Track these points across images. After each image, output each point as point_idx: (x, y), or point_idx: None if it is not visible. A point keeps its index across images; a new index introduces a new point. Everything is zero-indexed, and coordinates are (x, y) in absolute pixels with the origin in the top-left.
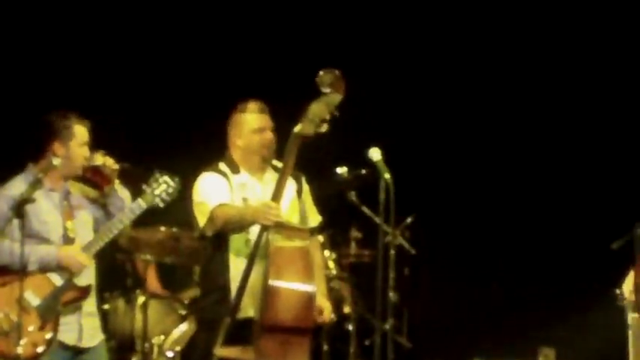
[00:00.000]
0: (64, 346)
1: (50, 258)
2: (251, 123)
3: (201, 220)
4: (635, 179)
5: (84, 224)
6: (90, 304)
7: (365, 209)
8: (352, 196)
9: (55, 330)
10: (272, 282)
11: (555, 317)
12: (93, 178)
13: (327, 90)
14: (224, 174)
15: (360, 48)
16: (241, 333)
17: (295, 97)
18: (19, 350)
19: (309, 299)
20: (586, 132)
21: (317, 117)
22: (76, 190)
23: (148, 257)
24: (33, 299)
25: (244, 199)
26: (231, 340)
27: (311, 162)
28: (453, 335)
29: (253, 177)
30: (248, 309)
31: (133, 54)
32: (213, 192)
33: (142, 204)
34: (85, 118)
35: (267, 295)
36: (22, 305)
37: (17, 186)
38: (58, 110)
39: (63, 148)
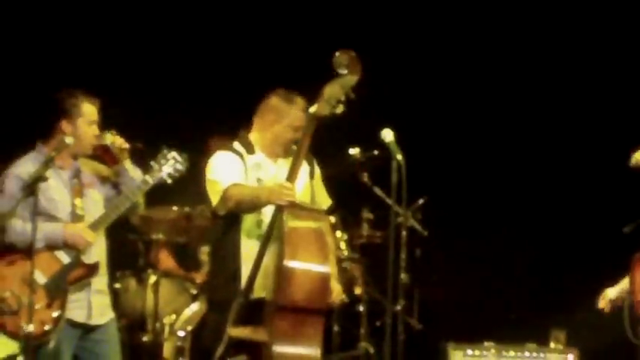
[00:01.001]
0: (73, 324)
1: (56, 235)
2: (294, 119)
3: (214, 198)
4: None
5: (94, 202)
6: (99, 282)
7: (377, 190)
8: (364, 177)
9: (63, 308)
10: (287, 262)
11: (567, 300)
12: (103, 156)
13: (343, 71)
14: (239, 154)
15: (374, 28)
16: (253, 314)
17: (310, 78)
18: (30, 328)
19: (325, 280)
20: (599, 115)
21: (333, 98)
22: (88, 168)
23: (160, 237)
24: (40, 277)
25: (258, 180)
26: (242, 321)
27: (324, 143)
28: (464, 317)
29: (268, 158)
30: (260, 290)
31: (144, 32)
32: (227, 171)
33: (149, 180)
34: (95, 96)
35: (283, 275)
36: (30, 284)
37: (26, 165)
38: (67, 89)
39: (71, 126)
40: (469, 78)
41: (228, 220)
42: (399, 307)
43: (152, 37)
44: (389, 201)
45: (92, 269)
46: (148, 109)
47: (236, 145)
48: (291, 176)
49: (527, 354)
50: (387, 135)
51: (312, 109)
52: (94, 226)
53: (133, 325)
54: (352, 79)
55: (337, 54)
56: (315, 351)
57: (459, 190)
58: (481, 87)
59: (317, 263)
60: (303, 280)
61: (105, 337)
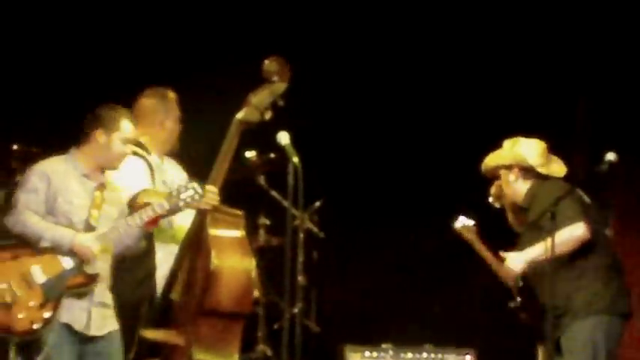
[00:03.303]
0: (72, 331)
1: (64, 242)
2: (177, 111)
3: None
4: None
5: (108, 218)
6: (102, 295)
7: (274, 193)
8: (261, 180)
9: (55, 310)
10: (216, 266)
11: (464, 301)
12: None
13: (273, 78)
14: (142, 156)
15: (265, 29)
16: (164, 315)
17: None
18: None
19: (251, 284)
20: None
21: (261, 104)
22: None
23: None
24: (40, 276)
25: (164, 182)
26: (155, 323)
27: (219, 146)
28: (362, 319)
29: (159, 159)
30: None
31: None
32: (137, 176)
33: (165, 205)
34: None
35: (211, 279)
36: (27, 280)
37: (53, 164)
38: (110, 103)
39: (104, 137)
40: (361, 79)
41: None
42: (296, 310)
43: None
44: (285, 204)
45: (91, 279)
46: None
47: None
48: (216, 180)
49: (424, 355)
50: (283, 138)
51: (240, 114)
52: (101, 239)
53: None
54: (281, 87)
55: (267, 61)
56: (234, 357)
57: (355, 191)
58: (376, 91)
59: (243, 267)
60: (231, 285)
61: (105, 351)
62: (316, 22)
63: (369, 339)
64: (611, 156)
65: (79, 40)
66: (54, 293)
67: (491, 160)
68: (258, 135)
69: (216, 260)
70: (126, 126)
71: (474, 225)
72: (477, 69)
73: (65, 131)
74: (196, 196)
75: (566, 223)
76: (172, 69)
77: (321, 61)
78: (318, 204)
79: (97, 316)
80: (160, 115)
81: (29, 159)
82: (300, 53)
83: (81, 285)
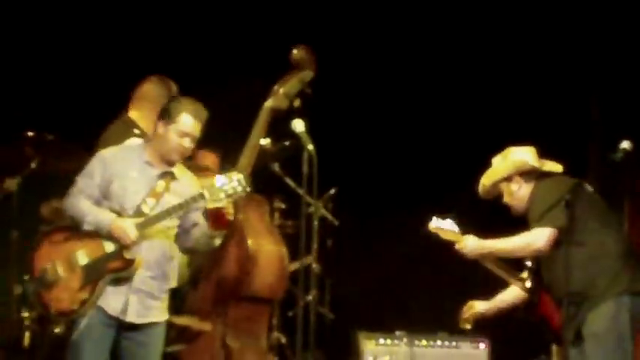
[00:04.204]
0: (107, 315)
1: (103, 225)
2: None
3: None
4: (554, 151)
5: (164, 207)
6: (145, 283)
7: (288, 180)
8: (276, 167)
9: (92, 293)
10: (253, 251)
11: (477, 290)
12: (216, 220)
13: (302, 66)
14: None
15: (284, 21)
16: (187, 303)
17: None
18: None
19: (285, 271)
20: (503, 106)
21: (291, 92)
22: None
23: None
24: (82, 259)
25: None
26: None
27: (236, 134)
28: (376, 307)
29: None
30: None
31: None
32: None
33: (206, 195)
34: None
35: (247, 264)
36: (70, 262)
37: (117, 149)
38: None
39: (163, 128)
40: (376, 67)
41: None
42: (310, 297)
43: None
44: (300, 191)
45: (129, 264)
46: None
47: (136, 131)
48: (246, 167)
49: (439, 343)
50: (298, 125)
51: (269, 102)
52: (140, 226)
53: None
54: (309, 75)
55: (296, 50)
56: (263, 342)
57: (369, 179)
58: (391, 78)
59: (278, 253)
60: (267, 271)
61: (145, 340)
62: (334, 12)
63: (383, 327)
64: (625, 144)
65: (93, 29)
66: (93, 276)
67: (487, 179)
68: (273, 122)
69: (252, 245)
70: (184, 119)
71: (451, 222)
72: (493, 59)
73: (80, 117)
74: (239, 189)
75: (532, 225)
76: (191, 59)
77: (336, 49)
78: (332, 191)
79: (137, 303)
80: (162, 102)
81: (43, 145)
82: (315, 42)
83: (120, 269)
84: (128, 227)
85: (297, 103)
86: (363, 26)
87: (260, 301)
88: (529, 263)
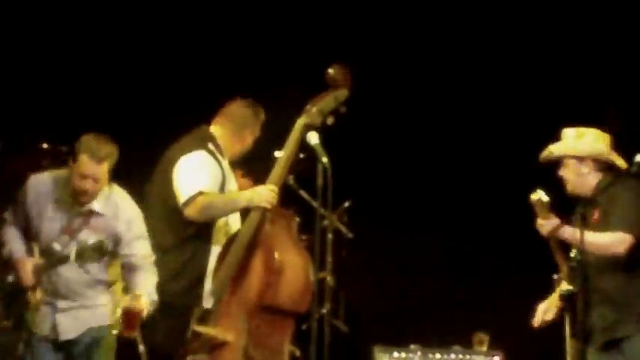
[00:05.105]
0: (41, 337)
1: (12, 261)
2: (259, 131)
3: (186, 199)
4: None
5: (81, 244)
6: (74, 297)
7: (303, 193)
8: (290, 180)
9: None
10: (279, 261)
11: (491, 303)
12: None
13: (337, 84)
14: (217, 158)
15: (296, 31)
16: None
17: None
18: None
19: (310, 284)
20: (514, 119)
21: (325, 110)
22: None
23: None
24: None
25: (228, 191)
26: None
27: (251, 146)
28: (390, 320)
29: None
30: (209, 299)
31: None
32: (208, 176)
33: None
34: None
35: (273, 274)
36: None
37: (42, 176)
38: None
39: (73, 164)
40: (392, 81)
41: (197, 226)
42: (325, 310)
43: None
44: (314, 204)
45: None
46: None
47: (210, 146)
48: (277, 181)
49: (452, 356)
50: (313, 138)
51: (303, 119)
52: (40, 269)
53: None
54: (345, 94)
55: (333, 68)
56: (285, 356)
57: (384, 192)
58: (405, 93)
59: (304, 265)
60: (293, 282)
61: (87, 350)
62: (351, 28)
63: (397, 339)
64: None
65: (107, 40)
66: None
67: (558, 151)
68: (288, 134)
69: (279, 256)
70: (82, 160)
71: (549, 201)
72: (506, 70)
73: (93, 129)
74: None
75: (617, 228)
76: (215, 76)
77: (353, 62)
78: (347, 204)
79: (67, 320)
80: (248, 128)
81: (58, 157)
82: (328, 56)
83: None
84: (25, 271)
85: (330, 120)
86: (379, 40)
87: (284, 314)
88: (573, 253)
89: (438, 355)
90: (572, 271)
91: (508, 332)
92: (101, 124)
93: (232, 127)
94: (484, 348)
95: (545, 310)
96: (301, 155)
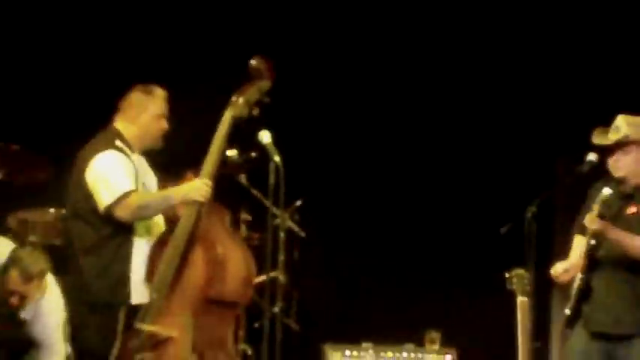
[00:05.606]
0: None
1: None
2: (159, 108)
3: (109, 200)
4: (523, 164)
5: None
6: None
7: (255, 192)
8: (242, 178)
9: None
10: (222, 254)
11: (443, 301)
12: None
13: (260, 76)
14: (127, 154)
15: (247, 27)
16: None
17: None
18: None
19: (252, 274)
20: (472, 118)
21: (250, 101)
22: None
23: (36, 239)
24: None
25: (143, 184)
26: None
27: (202, 145)
28: (342, 318)
29: (140, 159)
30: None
31: None
32: (125, 175)
33: None
34: None
35: (216, 267)
36: None
37: None
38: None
39: None
40: (342, 77)
41: (117, 223)
42: (277, 309)
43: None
44: (266, 203)
45: None
46: None
47: (118, 143)
48: (210, 174)
49: (404, 355)
50: (265, 137)
51: (230, 111)
52: None
53: None
54: (267, 84)
55: (255, 60)
56: (232, 347)
57: (336, 191)
58: (357, 89)
59: (245, 257)
60: (236, 274)
61: None
62: (298, 21)
63: (349, 338)
64: (592, 157)
65: (58, 38)
66: None
67: (636, 134)
68: (239, 133)
69: (220, 249)
70: (12, 276)
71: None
72: (465, 73)
73: (45, 128)
74: None
75: None
76: (153, 68)
77: (302, 59)
78: (299, 203)
79: None
80: (135, 109)
81: (8, 156)
82: (281, 52)
83: None
84: None
85: (255, 111)
86: (328, 34)
87: (228, 305)
88: (593, 242)
89: (390, 354)
90: (589, 260)
91: (460, 330)
92: (52, 123)
93: (132, 117)
94: (436, 346)
95: (566, 269)
96: (253, 154)
